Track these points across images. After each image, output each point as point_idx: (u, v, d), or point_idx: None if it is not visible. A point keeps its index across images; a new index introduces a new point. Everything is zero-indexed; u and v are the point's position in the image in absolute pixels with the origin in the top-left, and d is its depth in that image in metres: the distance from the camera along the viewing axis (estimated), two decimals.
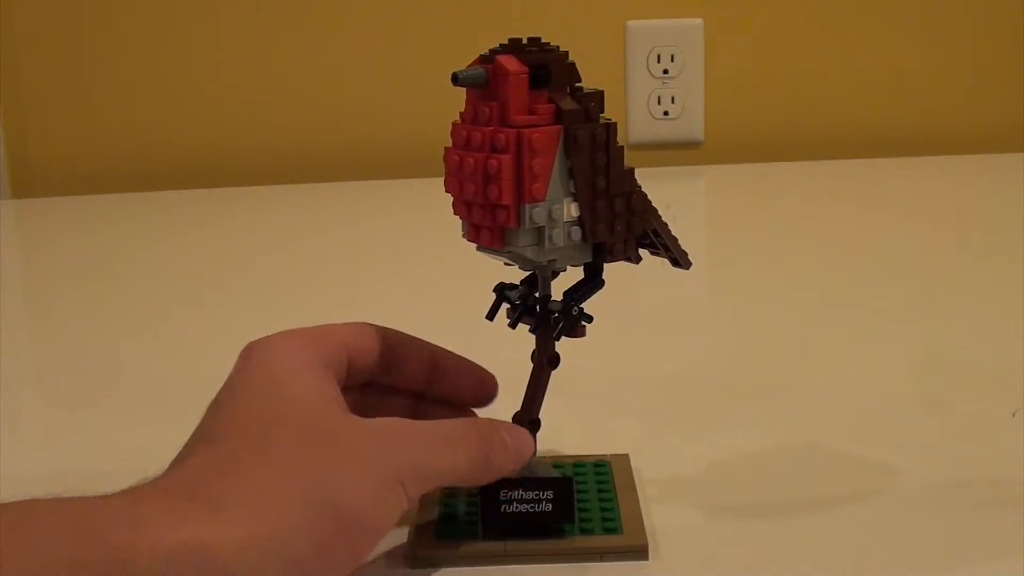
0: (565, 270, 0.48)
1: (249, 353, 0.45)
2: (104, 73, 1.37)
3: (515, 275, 0.50)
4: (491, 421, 0.47)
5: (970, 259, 0.95)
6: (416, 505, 0.51)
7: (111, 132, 1.38)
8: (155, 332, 0.83)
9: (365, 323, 0.49)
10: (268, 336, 0.46)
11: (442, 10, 1.34)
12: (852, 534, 0.49)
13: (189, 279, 0.97)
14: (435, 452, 0.43)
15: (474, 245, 0.47)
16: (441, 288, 0.91)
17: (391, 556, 0.47)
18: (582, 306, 0.48)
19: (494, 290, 0.50)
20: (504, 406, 0.51)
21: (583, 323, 0.48)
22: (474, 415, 0.52)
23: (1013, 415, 0.60)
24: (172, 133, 1.38)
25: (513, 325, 0.49)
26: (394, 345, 0.49)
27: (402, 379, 0.50)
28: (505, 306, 0.50)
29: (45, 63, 1.36)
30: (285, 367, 0.44)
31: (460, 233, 0.47)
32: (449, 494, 0.51)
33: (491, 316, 0.50)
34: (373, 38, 1.36)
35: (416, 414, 0.51)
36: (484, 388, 0.52)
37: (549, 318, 0.48)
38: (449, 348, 0.52)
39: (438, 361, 0.51)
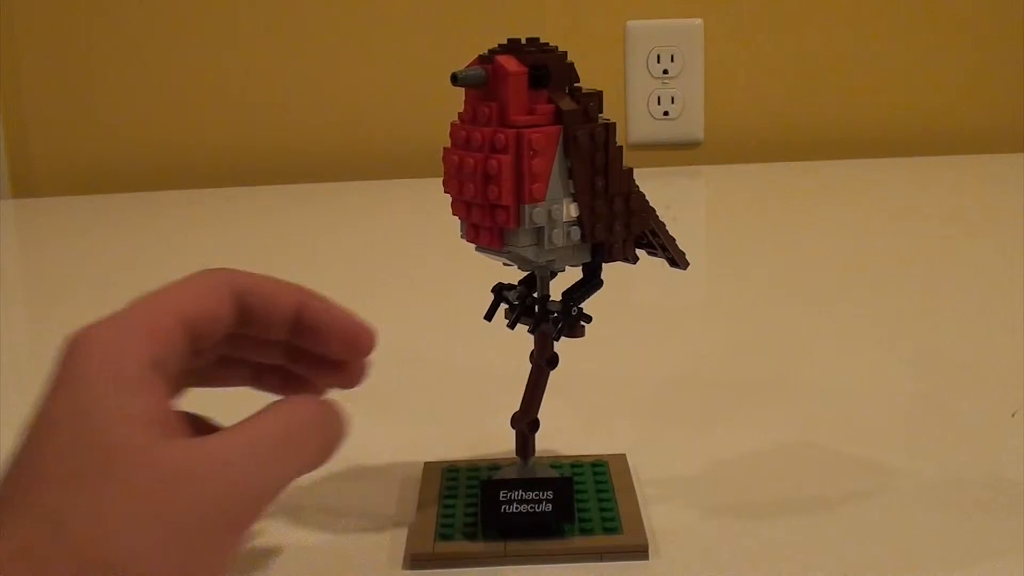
0: (564, 270, 0.48)
1: (71, 352, 0.39)
2: (105, 73, 1.37)
3: (514, 275, 0.50)
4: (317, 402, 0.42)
5: (970, 259, 0.95)
6: (411, 506, 0.51)
7: (112, 132, 1.38)
8: None
9: (217, 275, 0.43)
10: (94, 329, 0.39)
11: (442, 10, 1.34)
12: (852, 534, 0.49)
13: None
14: (261, 475, 0.38)
15: (472, 245, 0.47)
16: (439, 288, 0.91)
17: (391, 556, 0.47)
18: (581, 306, 0.48)
19: (492, 290, 0.50)
20: (503, 407, 0.51)
21: (582, 323, 0.48)
22: (348, 375, 0.47)
23: (1013, 415, 0.60)
24: (173, 133, 1.38)
25: (512, 325, 0.49)
26: (250, 298, 0.43)
27: (264, 332, 0.44)
28: (503, 306, 0.50)
29: (46, 63, 1.36)
30: (103, 379, 0.38)
31: (459, 233, 0.47)
32: (448, 495, 0.51)
33: (489, 316, 0.50)
34: (373, 38, 1.36)
35: (287, 368, 0.47)
36: (357, 341, 0.45)
37: (548, 318, 0.48)
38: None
39: (304, 313, 0.45)
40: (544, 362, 0.49)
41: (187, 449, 0.37)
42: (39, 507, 0.35)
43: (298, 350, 0.46)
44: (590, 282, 0.48)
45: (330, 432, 0.42)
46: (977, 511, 0.50)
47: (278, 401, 0.41)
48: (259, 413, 0.40)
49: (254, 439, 0.39)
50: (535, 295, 0.49)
